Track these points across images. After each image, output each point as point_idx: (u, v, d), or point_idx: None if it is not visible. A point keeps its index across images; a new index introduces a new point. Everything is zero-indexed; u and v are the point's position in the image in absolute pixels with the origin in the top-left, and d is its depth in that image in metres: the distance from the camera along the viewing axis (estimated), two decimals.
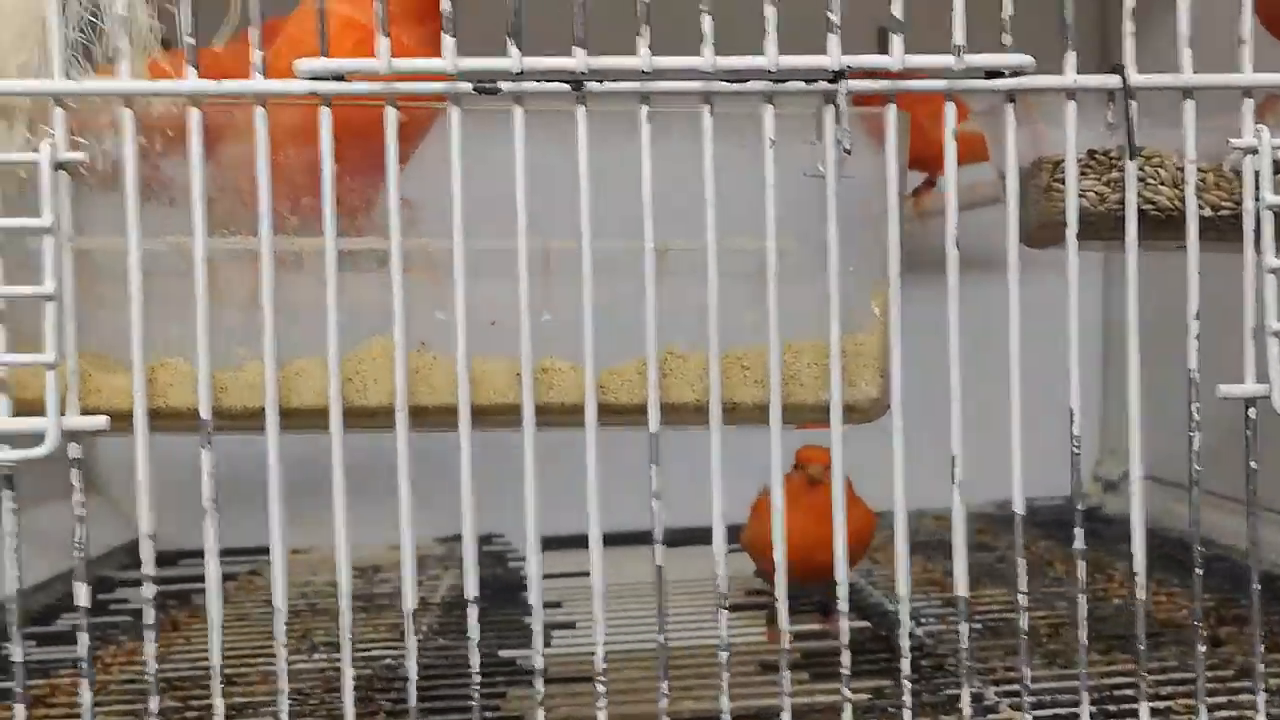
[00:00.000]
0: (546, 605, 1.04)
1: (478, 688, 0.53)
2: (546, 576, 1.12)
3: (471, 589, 0.53)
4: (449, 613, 1.02)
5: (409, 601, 0.52)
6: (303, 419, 0.53)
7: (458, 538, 1.32)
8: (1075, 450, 0.54)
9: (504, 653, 0.85)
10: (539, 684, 0.53)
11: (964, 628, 0.55)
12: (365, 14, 0.49)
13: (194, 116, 0.50)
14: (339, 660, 0.87)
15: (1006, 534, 1.33)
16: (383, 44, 0.50)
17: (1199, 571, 0.56)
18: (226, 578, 1.16)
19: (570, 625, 0.93)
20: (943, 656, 0.82)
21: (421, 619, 1.00)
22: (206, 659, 0.86)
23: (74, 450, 0.50)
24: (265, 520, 0.52)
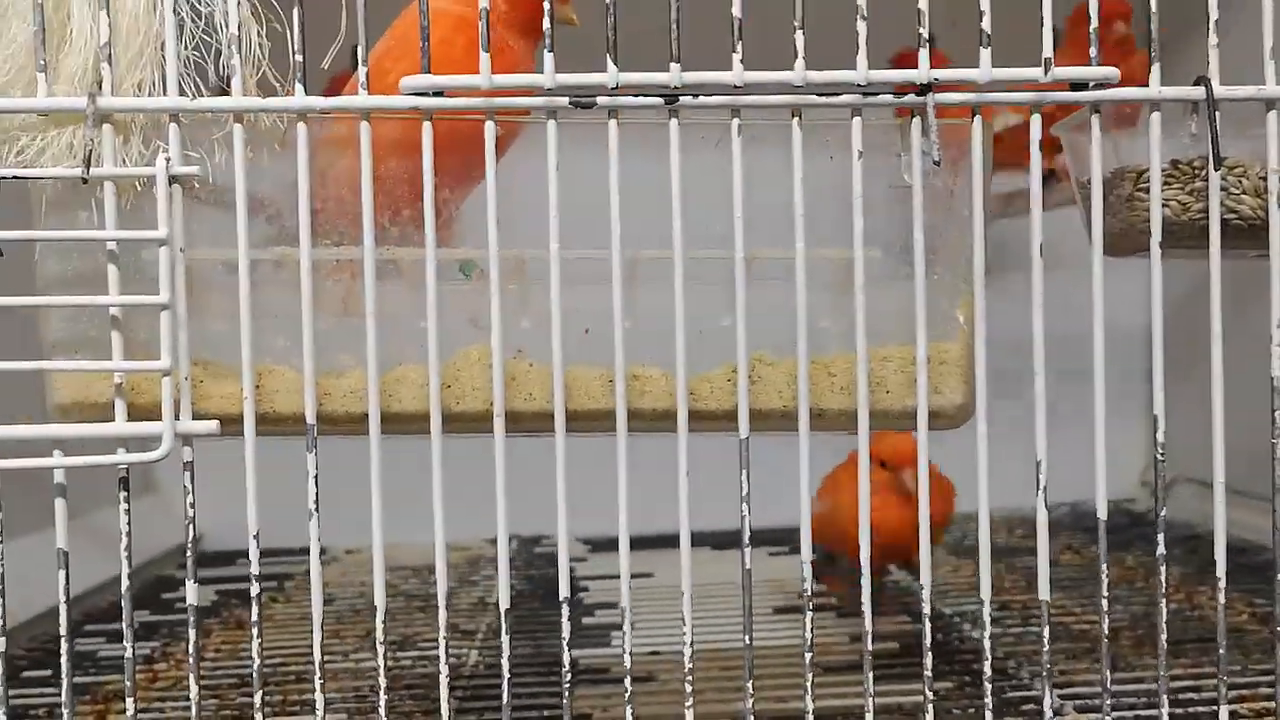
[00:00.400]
0: (603, 606, 1.06)
1: (567, 686, 0.54)
2: (601, 578, 1.14)
3: (564, 589, 0.54)
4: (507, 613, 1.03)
5: (504, 599, 0.53)
6: (402, 423, 0.55)
7: (509, 538, 1.34)
8: (1160, 458, 0.55)
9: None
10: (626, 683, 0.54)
11: (1045, 632, 0.56)
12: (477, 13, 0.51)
13: (301, 131, 0.52)
14: (405, 658, 0.90)
15: (1062, 537, 1.34)
16: (484, 60, 0.51)
17: None
18: (285, 577, 1.19)
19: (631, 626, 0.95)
20: (1002, 660, 0.83)
21: (481, 619, 1.02)
22: (276, 656, 0.89)
23: (187, 454, 0.52)
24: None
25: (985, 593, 0.55)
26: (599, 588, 1.11)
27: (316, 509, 0.53)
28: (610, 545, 0.94)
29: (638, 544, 0.90)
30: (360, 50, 0.52)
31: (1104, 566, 0.55)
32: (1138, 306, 1.30)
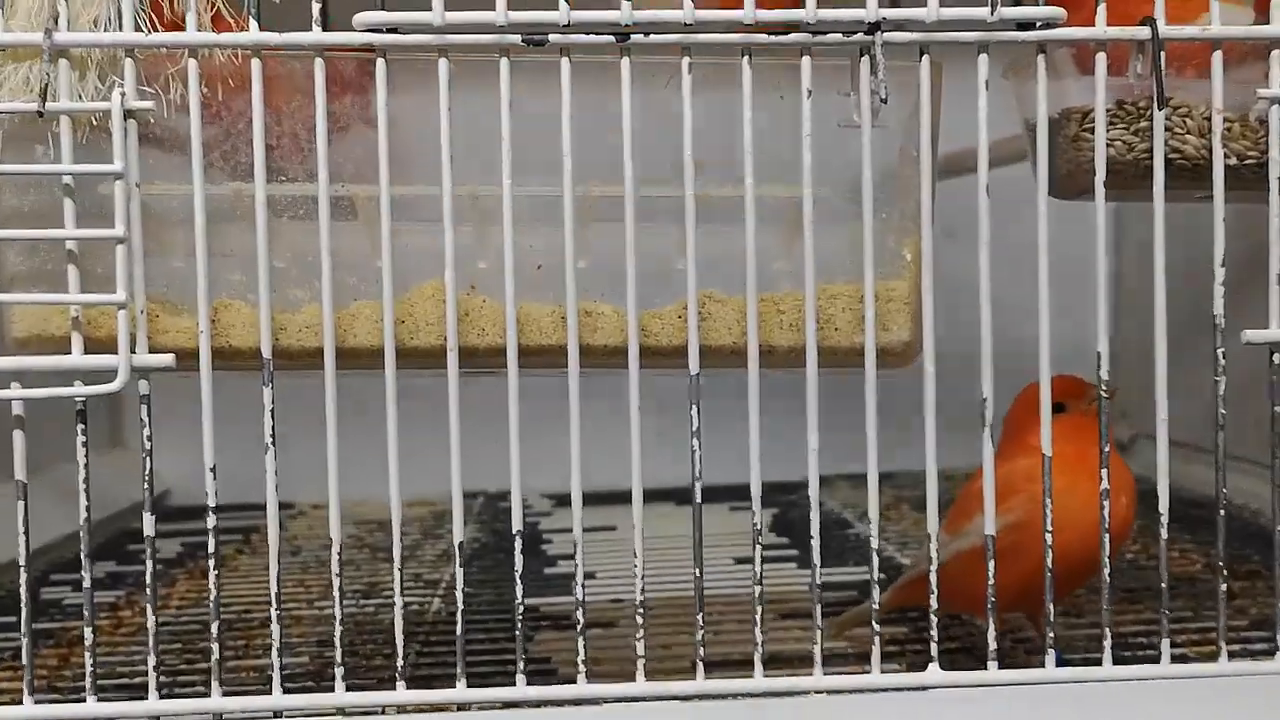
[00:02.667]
0: (566, 557, 1.07)
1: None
2: (565, 530, 1.16)
3: (517, 522, 0.55)
4: (470, 564, 1.05)
5: (458, 535, 0.54)
6: (358, 359, 0.55)
7: (473, 494, 1.34)
8: (1103, 390, 0.56)
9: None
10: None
11: (991, 566, 0.57)
12: None
13: (256, 67, 0.52)
14: (369, 605, 0.91)
15: None
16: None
17: (1221, 518, 0.58)
18: (251, 530, 1.19)
19: (590, 575, 0.96)
20: None
21: (445, 570, 1.03)
22: (240, 603, 0.90)
23: (143, 387, 0.52)
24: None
25: (932, 525, 0.56)
26: (563, 539, 1.12)
27: (273, 442, 0.53)
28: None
29: (604, 499, 0.91)
30: None
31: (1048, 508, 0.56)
32: (1108, 254, 1.32)
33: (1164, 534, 0.57)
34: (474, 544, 1.13)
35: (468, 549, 1.10)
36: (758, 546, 0.55)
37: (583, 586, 0.54)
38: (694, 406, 0.54)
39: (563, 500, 1.26)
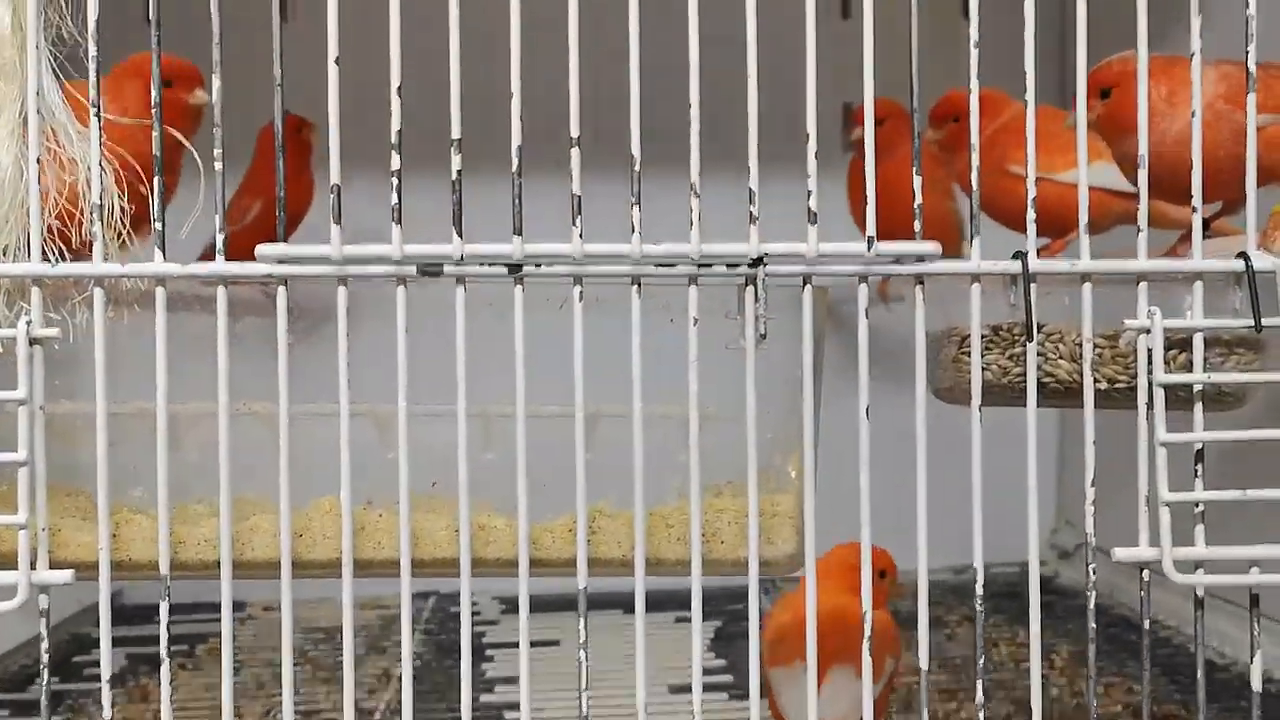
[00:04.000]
0: (506, 681, 1.08)
1: None
2: (509, 646, 1.17)
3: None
4: (418, 680, 1.06)
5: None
6: (255, 569, 0.57)
7: (425, 595, 1.35)
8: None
9: None
10: None
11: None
12: None
13: (160, 294, 0.54)
14: None
15: (962, 604, 1.37)
16: (335, 232, 0.54)
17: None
18: (198, 639, 1.21)
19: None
20: None
21: (382, 695, 1.04)
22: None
23: (43, 602, 0.54)
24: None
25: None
26: (506, 657, 1.13)
27: (169, 656, 0.55)
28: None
29: (551, 605, 0.92)
30: (218, 219, 0.54)
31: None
32: None
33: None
34: (416, 661, 1.14)
35: (415, 663, 1.12)
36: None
37: None
38: (582, 620, 0.56)
39: (512, 605, 1.27)
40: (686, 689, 1.04)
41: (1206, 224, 0.70)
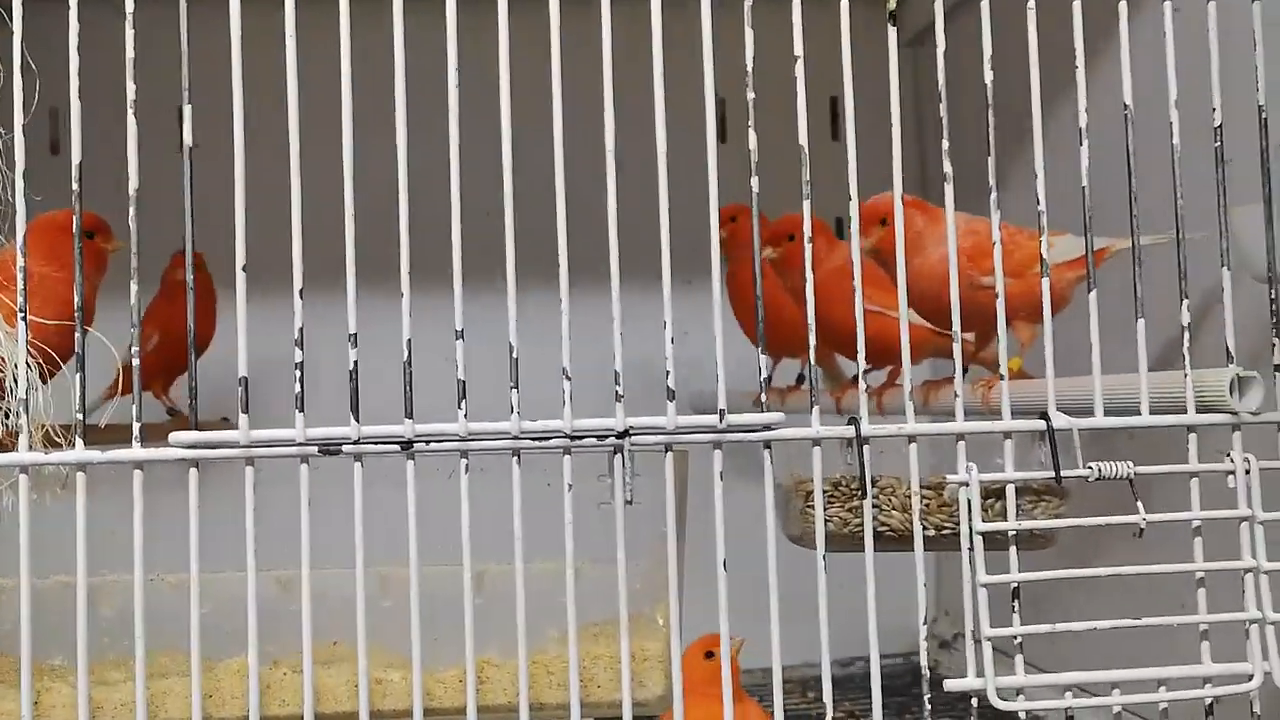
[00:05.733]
0: None
1: None
2: None
3: None
4: None
5: None
6: None
7: None
8: None
9: None
10: None
11: None
12: None
13: (80, 480, 0.59)
14: None
15: (846, 697, 1.41)
16: (243, 420, 0.60)
17: None
18: None
19: None
20: None
21: None
22: None
23: None
24: None
25: None
26: None
27: None
28: None
29: None
30: (135, 408, 0.60)
31: None
32: None
33: None
34: None
35: None
36: None
37: None
38: None
39: None
40: None
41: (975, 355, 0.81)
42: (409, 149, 0.62)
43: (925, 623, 0.65)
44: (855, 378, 0.94)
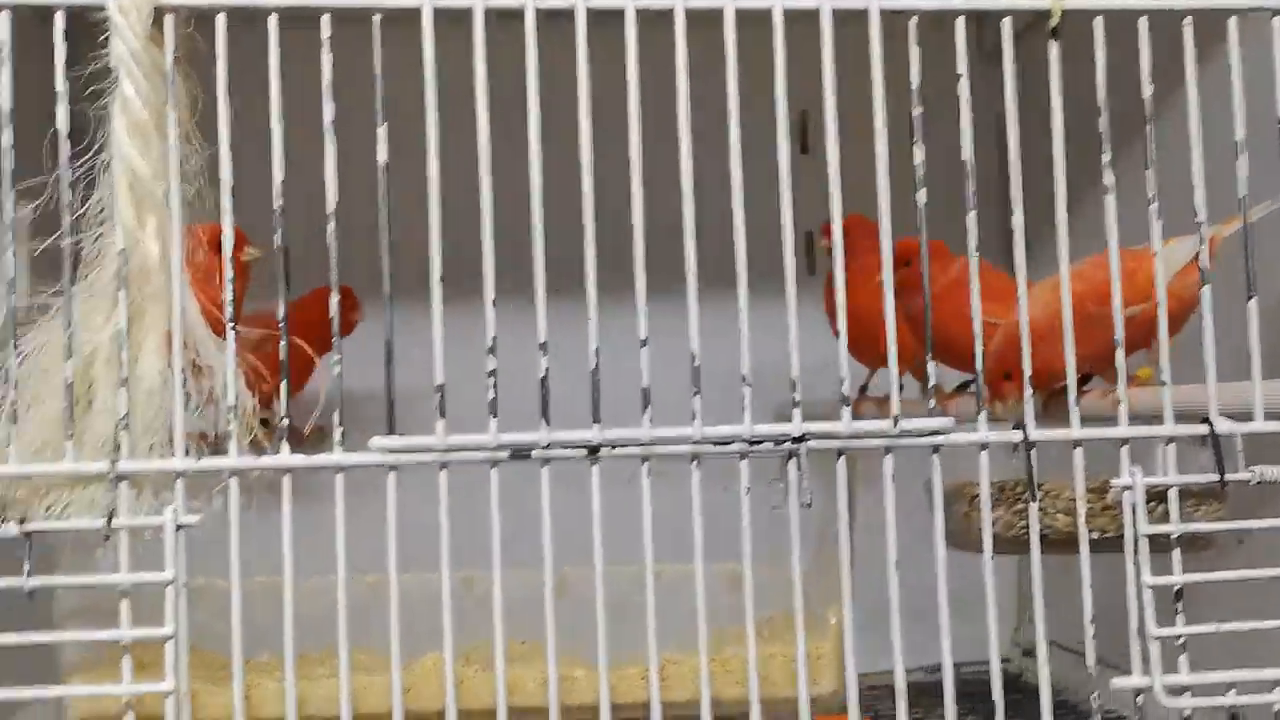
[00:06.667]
0: None
1: None
2: None
3: None
4: None
5: None
6: None
7: None
8: None
9: None
10: None
11: None
12: None
13: (286, 483, 0.62)
14: None
15: (939, 704, 1.43)
16: (440, 425, 0.63)
17: None
18: None
19: None
20: None
21: None
22: None
23: None
24: None
25: None
26: None
27: None
28: None
29: None
30: (336, 414, 0.63)
31: None
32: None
33: None
34: None
35: None
36: None
37: None
38: None
39: None
40: None
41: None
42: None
43: (1092, 621, 0.67)
44: (960, 386, 0.97)
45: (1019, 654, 1.60)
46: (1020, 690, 1.47)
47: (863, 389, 1.21)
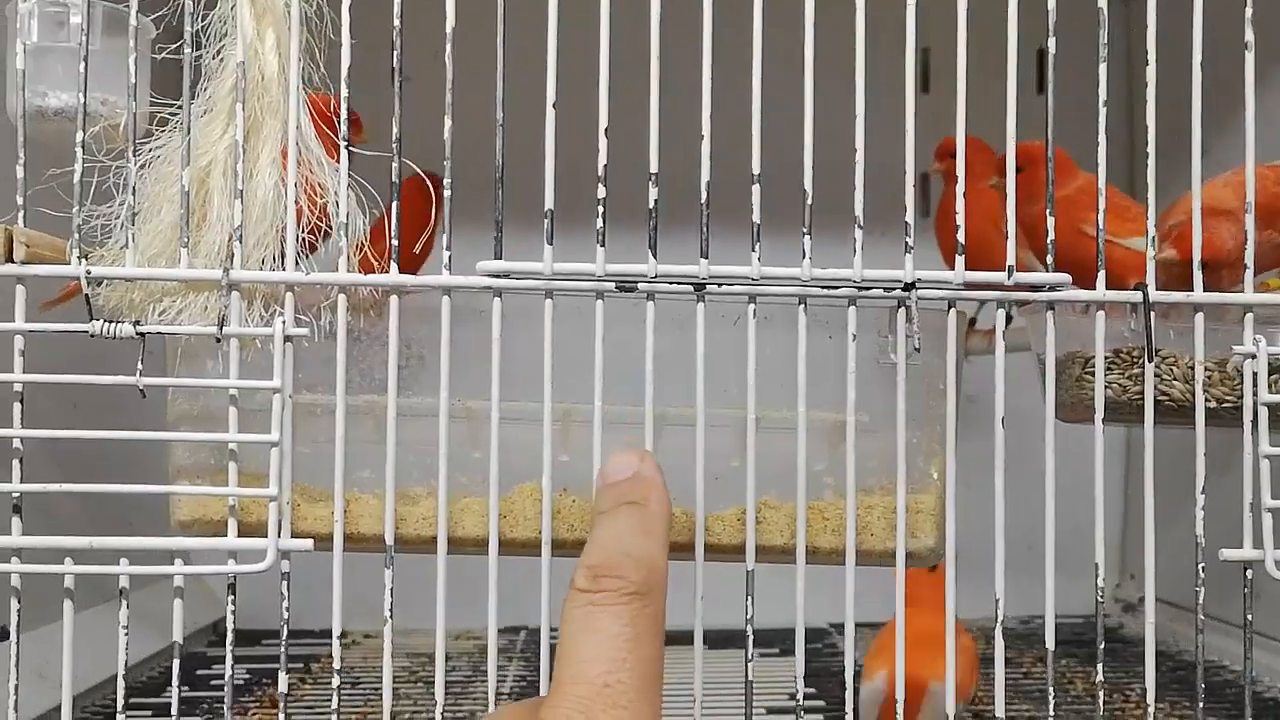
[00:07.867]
0: None
1: None
2: None
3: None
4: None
5: None
6: (465, 545, 0.65)
7: (516, 629, 1.42)
8: (1099, 600, 0.65)
9: None
10: None
11: None
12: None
13: (393, 302, 0.62)
14: None
15: (1030, 649, 1.43)
16: (548, 251, 0.62)
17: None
18: (311, 659, 1.28)
19: None
20: None
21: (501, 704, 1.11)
22: None
23: (284, 566, 0.62)
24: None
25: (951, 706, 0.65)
26: None
27: (391, 616, 0.62)
28: None
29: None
30: (445, 236, 0.63)
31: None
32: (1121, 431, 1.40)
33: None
34: (520, 683, 1.21)
35: (514, 688, 1.19)
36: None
37: None
38: (749, 599, 0.64)
39: None
40: (783, 710, 1.10)
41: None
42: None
43: (1203, 491, 0.65)
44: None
45: (1119, 609, 1.58)
46: (1119, 640, 1.46)
47: (972, 321, 1.20)
